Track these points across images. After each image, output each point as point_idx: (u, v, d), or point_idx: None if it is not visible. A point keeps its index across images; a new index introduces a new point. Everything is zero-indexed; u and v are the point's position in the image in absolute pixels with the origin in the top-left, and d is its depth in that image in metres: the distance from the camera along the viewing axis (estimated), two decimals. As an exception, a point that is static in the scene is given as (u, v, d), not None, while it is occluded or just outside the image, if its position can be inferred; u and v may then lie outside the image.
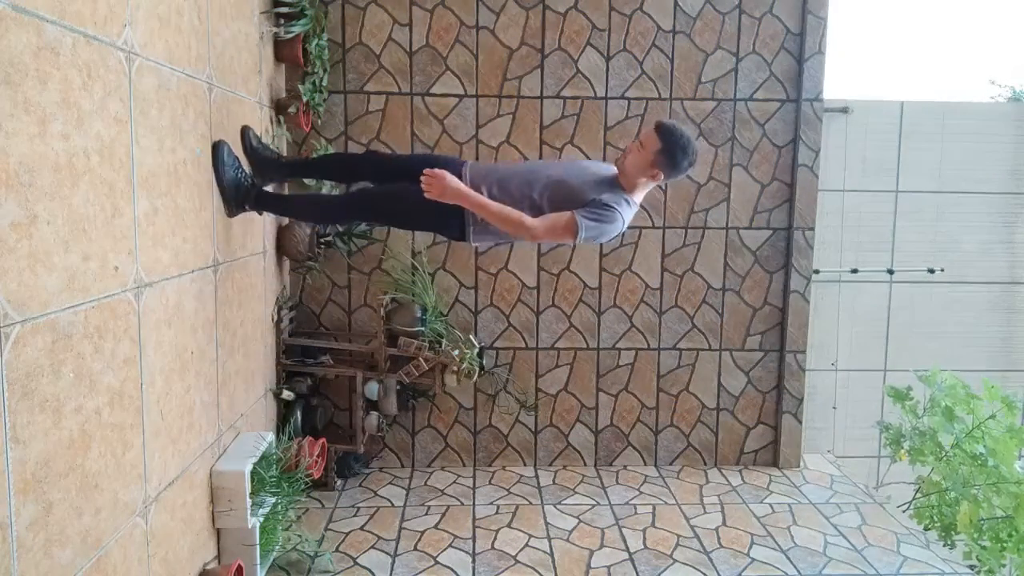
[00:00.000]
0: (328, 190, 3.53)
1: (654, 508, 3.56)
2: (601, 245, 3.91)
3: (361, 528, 3.30)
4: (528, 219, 2.43)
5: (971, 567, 3.63)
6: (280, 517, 2.89)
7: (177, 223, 2.28)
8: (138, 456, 2.03)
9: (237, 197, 2.73)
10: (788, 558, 3.11)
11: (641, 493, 3.74)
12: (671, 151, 2.46)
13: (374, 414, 3.75)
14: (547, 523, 3.38)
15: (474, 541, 3.20)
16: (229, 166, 2.67)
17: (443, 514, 3.45)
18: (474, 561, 3.04)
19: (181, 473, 2.33)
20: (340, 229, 3.68)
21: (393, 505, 3.54)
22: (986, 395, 3.91)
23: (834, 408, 5.28)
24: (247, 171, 2.84)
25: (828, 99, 4.24)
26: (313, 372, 3.64)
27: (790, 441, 4.08)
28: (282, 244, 3.50)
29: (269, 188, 3.11)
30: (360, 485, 3.75)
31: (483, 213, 2.44)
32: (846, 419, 5.28)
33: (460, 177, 2.51)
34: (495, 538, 3.23)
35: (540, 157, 3.86)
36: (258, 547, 2.67)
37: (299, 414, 3.56)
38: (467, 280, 3.92)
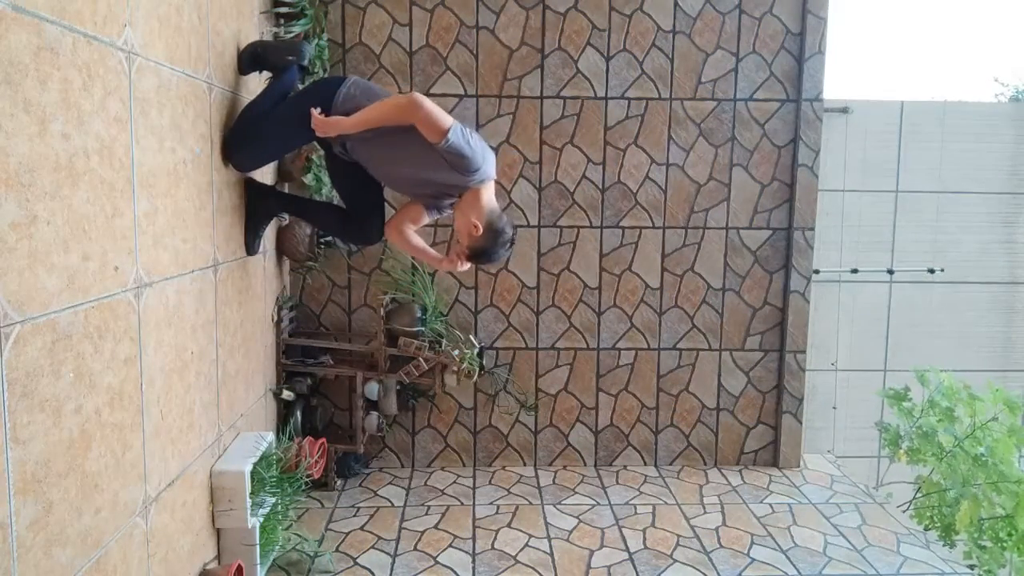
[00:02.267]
0: (328, 192, 3.54)
1: (654, 508, 3.56)
2: (601, 244, 3.92)
3: (361, 528, 3.30)
4: (414, 95, 2.46)
5: (971, 567, 3.63)
6: (280, 517, 2.89)
7: (177, 223, 2.28)
8: (138, 456, 2.03)
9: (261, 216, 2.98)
10: (788, 558, 3.11)
11: (641, 493, 3.74)
12: (485, 245, 2.63)
13: (374, 414, 3.75)
14: (547, 523, 3.38)
15: (474, 541, 3.21)
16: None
17: (443, 514, 3.45)
18: (474, 561, 3.04)
19: (181, 473, 2.33)
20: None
21: (393, 505, 3.54)
22: (991, 398, 3.91)
23: (834, 408, 5.29)
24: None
25: (828, 99, 4.24)
26: (313, 372, 3.64)
27: (790, 441, 4.08)
28: (282, 244, 3.50)
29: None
30: (360, 485, 3.75)
31: (365, 126, 2.53)
32: (846, 419, 5.29)
33: (336, 94, 2.62)
34: (495, 538, 3.23)
35: (540, 159, 3.86)
36: (258, 547, 2.67)
37: (299, 414, 3.56)
38: (467, 280, 3.92)
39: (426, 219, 2.90)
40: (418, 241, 2.94)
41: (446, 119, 2.45)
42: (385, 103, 2.52)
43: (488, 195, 2.64)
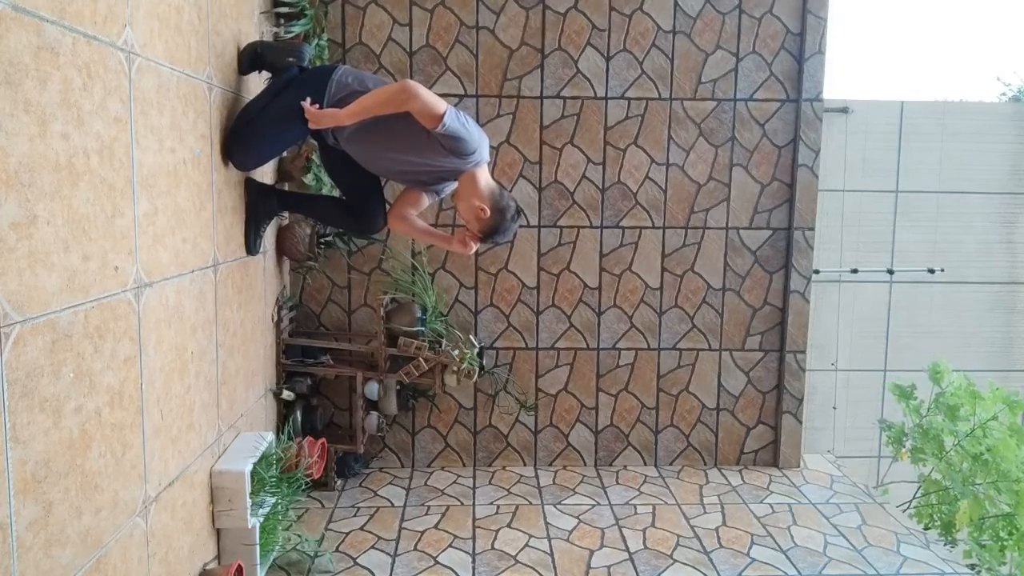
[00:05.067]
0: (328, 191, 3.54)
1: (654, 508, 3.56)
2: (601, 244, 3.92)
3: (361, 528, 3.30)
4: (407, 83, 2.45)
5: (971, 567, 3.63)
6: (280, 517, 2.89)
7: (177, 223, 2.28)
8: (138, 456, 2.03)
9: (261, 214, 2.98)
10: (788, 558, 3.11)
11: (641, 493, 3.74)
12: (495, 224, 2.68)
13: (374, 414, 3.75)
14: (547, 523, 3.38)
15: (474, 541, 3.21)
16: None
17: (443, 514, 3.45)
18: (474, 561, 3.04)
19: (181, 473, 2.33)
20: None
21: (393, 505, 3.54)
22: (991, 397, 3.92)
23: (834, 408, 5.29)
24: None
25: (828, 99, 4.24)
26: (313, 372, 3.64)
27: (790, 441, 4.08)
28: (282, 244, 3.50)
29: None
30: (360, 485, 3.75)
31: (361, 116, 2.53)
32: (846, 419, 5.29)
33: (328, 83, 2.64)
34: (495, 538, 3.23)
35: (540, 159, 3.86)
36: (258, 547, 2.67)
37: (299, 414, 3.56)
38: (467, 280, 3.92)
39: (426, 202, 2.91)
40: (423, 225, 2.95)
41: (440, 104, 2.45)
42: (378, 92, 2.52)
43: (485, 176, 2.67)
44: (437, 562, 3.02)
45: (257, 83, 3.02)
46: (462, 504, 3.56)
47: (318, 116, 2.56)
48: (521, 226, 3.88)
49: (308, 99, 2.59)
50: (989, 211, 5.25)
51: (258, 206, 2.97)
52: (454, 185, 2.75)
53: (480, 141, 2.59)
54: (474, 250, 2.83)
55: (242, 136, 2.71)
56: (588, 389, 4.04)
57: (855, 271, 5.17)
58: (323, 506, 3.50)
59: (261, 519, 2.71)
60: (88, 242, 1.76)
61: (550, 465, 4.07)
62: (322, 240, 3.63)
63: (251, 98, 2.85)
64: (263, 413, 3.29)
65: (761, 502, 3.65)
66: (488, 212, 2.63)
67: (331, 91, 2.63)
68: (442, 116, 2.43)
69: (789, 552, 3.17)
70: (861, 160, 5.13)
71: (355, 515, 3.42)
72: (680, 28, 3.83)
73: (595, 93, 3.85)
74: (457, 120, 2.48)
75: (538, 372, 4.01)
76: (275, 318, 3.47)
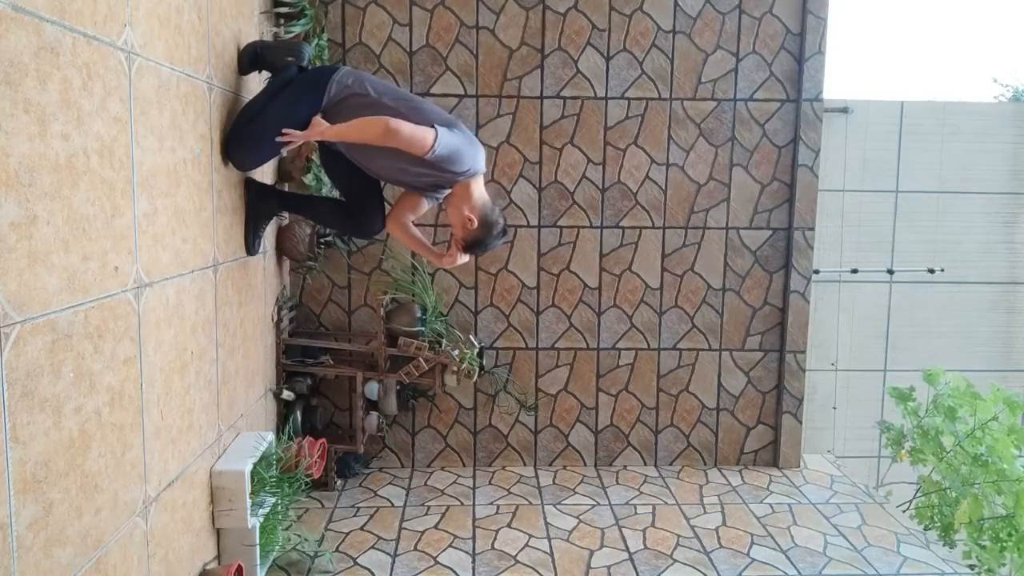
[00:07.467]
0: (328, 191, 3.54)
1: (654, 508, 3.56)
2: (601, 244, 3.92)
3: (361, 528, 3.30)
4: (389, 121, 2.46)
5: (971, 567, 3.63)
6: (280, 517, 2.89)
7: (177, 223, 2.28)
8: (138, 456, 2.03)
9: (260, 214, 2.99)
10: (788, 558, 3.11)
11: (641, 493, 3.74)
12: (480, 237, 2.71)
13: (374, 414, 3.75)
14: (547, 523, 3.38)
15: (474, 541, 3.21)
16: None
17: (443, 514, 3.45)
18: (474, 561, 3.04)
19: (181, 473, 2.33)
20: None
21: (393, 505, 3.54)
22: (991, 398, 3.91)
23: (834, 408, 5.29)
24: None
25: (828, 99, 4.24)
26: (313, 372, 3.64)
27: (790, 441, 4.08)
28: (282, 244, 3.50)
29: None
30: (360, 485, 3.75)
31: (347, 139, 2.58)
32: (846, 419, 5.29)
33: (328, 84, 2.65)
34: (495, 538, 3.23)
35: (540, 159, 3.86)
36: (258, 547, 2.67)
37: (299, 414, 3.56)
38: (467, 280, 3.92)
39: (426, 206, 2.93)
40: (419, 234, 2.98)
41: (426, 135, 2.47)
42: (363, 126, 2.53)
43: (479, 187, 2.70)
44: (437, 562, 3.02)
45: (257, 83, 3.03)
46: (462, 504, 3.56)
47: (309, 127, 2.60)
48: (521, 226, 3.88)
49: (310, 101, 2.61)
50: (989, 211, 5.25)
51: (257, 206, 2.97)
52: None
53: (475, 156, 2.62)
54: (460, 262, 2.85)
55: (242, 136, 2.71)
56: (588, 389, 4.04)
57: (855, 271, 5.17)
58: (323, 506, 3.50)
59: (261, 519, 2.71)
60: (88, 242, 1.76)
61: (550, 465, 4.07)
62: (322, 240, 3.63)
63: (251, 98, 2.85)
64: (263, 413, 3.29)
65: (761, 502, 3.65)
66: (475, 223, 2.67)
67: (330, 92, 2.64)
68: (431, 147, 2.47)
69: (789, 552, 3.17)
70: (861, 160, 5.13)
71: (355, 515, 3.42)
72: (680, 28, 3.83)
73: (595, 93, 3.85)
74: (447, 146, 2.50)
75: (538, 372, 4.01)
76: (275, 318, 3.47)
